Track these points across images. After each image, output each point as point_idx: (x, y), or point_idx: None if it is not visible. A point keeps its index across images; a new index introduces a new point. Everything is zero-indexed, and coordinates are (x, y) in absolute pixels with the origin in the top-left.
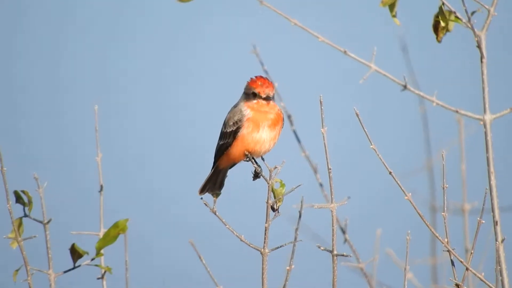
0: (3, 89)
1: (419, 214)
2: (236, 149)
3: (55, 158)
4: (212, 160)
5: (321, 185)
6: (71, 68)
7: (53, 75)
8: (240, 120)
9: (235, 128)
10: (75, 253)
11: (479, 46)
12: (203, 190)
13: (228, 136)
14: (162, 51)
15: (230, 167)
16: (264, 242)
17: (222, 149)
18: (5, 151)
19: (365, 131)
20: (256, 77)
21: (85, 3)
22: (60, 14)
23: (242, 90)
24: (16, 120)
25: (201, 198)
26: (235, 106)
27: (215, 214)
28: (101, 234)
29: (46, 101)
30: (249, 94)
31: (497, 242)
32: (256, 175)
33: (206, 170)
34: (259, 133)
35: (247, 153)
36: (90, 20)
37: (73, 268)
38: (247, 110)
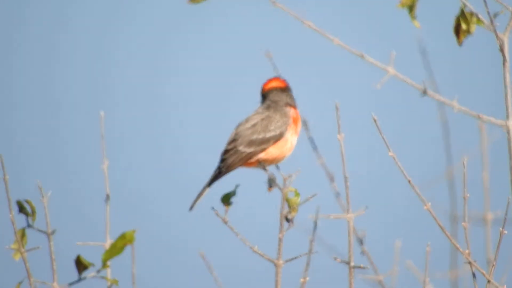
0: (4, 96)
1: (439, 225)
2: (267, 155)
3: (59, 166)
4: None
5: (337, 194)
6: (73, 76)
7: (55, 83)
8: (285, 123)
9: (278, 132)
10: (80, 265)
11: (501, 49)
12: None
13: (266, 142)
14: (171, 54)
15: None
16: (278, 253)
17: (248, 157)
18: (7, 159)
19: (383, 137)
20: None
21: (80, 12)
22: (57, 17)
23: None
24: (18, 127)
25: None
26: (273, 109)
27: (227, 224)
28: (107, 245)
29: (50, 108)
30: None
31: None
32: (271, 184)
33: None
34: (296, 138)
35: (261, 160)
36: (87, 24)
37: (78, 281)
38: (291, 110)
